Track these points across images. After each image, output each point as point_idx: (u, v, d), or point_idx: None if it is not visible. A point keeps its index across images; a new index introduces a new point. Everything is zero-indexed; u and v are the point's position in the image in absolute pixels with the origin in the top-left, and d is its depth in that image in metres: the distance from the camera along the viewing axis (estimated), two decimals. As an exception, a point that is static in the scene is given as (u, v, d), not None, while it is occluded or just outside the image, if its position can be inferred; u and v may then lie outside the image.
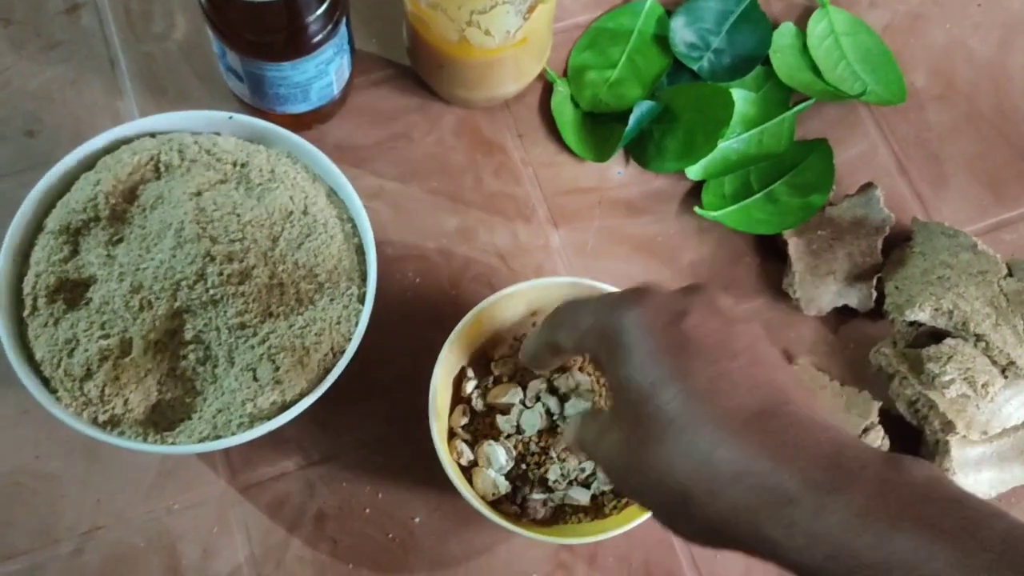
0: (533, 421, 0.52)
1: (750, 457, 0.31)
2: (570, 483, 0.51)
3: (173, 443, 0.46)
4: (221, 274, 0.46)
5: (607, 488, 0.51)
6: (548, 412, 0.52)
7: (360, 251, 0.51)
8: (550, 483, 0.51)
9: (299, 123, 0.59)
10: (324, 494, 0.53)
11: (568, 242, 0.60)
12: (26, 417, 0.53)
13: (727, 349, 0.34)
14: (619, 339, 0.35)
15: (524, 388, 0.53)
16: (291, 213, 0.50)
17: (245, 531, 0.52)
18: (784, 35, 0.65)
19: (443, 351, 0.50)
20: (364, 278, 0.50)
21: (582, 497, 0.50)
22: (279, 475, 0.53)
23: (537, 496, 0.50)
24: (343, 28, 0.55)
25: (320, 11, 0.52)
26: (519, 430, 0.52)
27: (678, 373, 0.33)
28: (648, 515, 0.47)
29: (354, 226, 0.52)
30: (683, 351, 0.34)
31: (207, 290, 0.46)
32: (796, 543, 0.30)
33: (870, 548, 0.29)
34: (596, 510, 0.51)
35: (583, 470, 0.51)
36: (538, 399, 0.52)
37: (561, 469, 0.51)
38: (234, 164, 0.51)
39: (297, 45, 0.52)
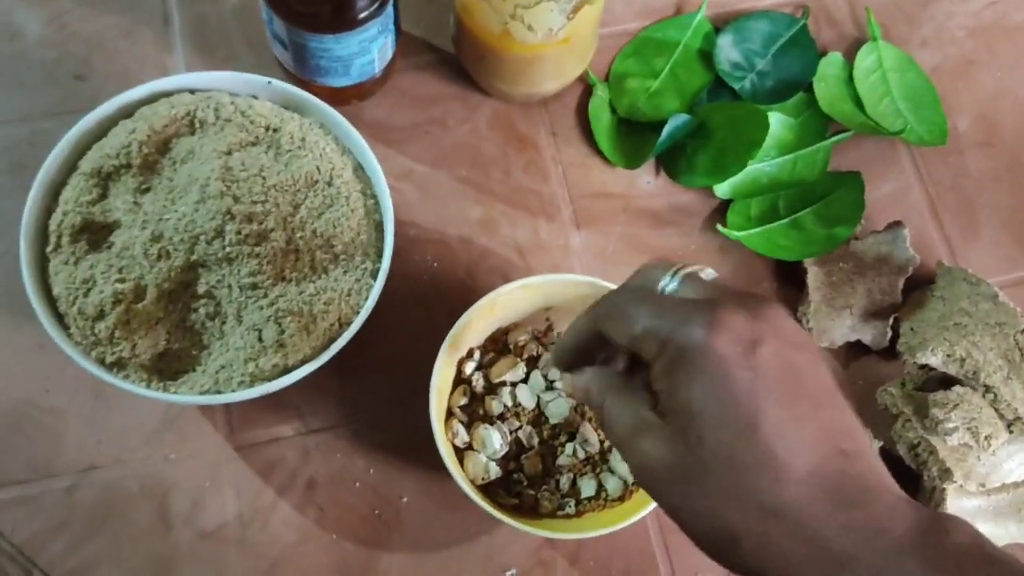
0: (530, 395, 0.52)
1: (810, 511, 0.31)
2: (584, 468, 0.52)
3: (175, 392, 0.47)
4: (239, 233, 0.47)
5: (590, 494, 0.51)
6: (548, 381, 0.52)
7: (379, 228, 0.52)
8: (556, 466, 0.51)
9: (338, 97, 0.60)
10: (317, 462, 0.54)
11: (588, 245, 0.60)
12: (41, 351, 0.54)
13: (798, 390, 0.33)
14: (686, 357, 0.33)
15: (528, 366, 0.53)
16: (316, 182, 0.51)
17: (236, 489, 0.53)
18: (830, 64, 0.65)
19: (454, 330, 0.50)
20: (380, 255, 0.51)
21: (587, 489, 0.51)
22: (276, 438, 0.54)
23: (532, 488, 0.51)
24: (389, 8, 0.55)
25: (369, -12, 0.52)
26: (516, 407, 0.52)
27: (747, 412, 0.32)
28: (631, 520, 0.48)
29: (377, 203, 0.52)
30: (755, 388, 0.33)
31: (223, 247, 0.47)
32: None
33: None
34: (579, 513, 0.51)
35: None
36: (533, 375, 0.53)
37: (572, 449, 0.51)
38: (267, 128, 0.52)
39: (342, 19, 0.53)
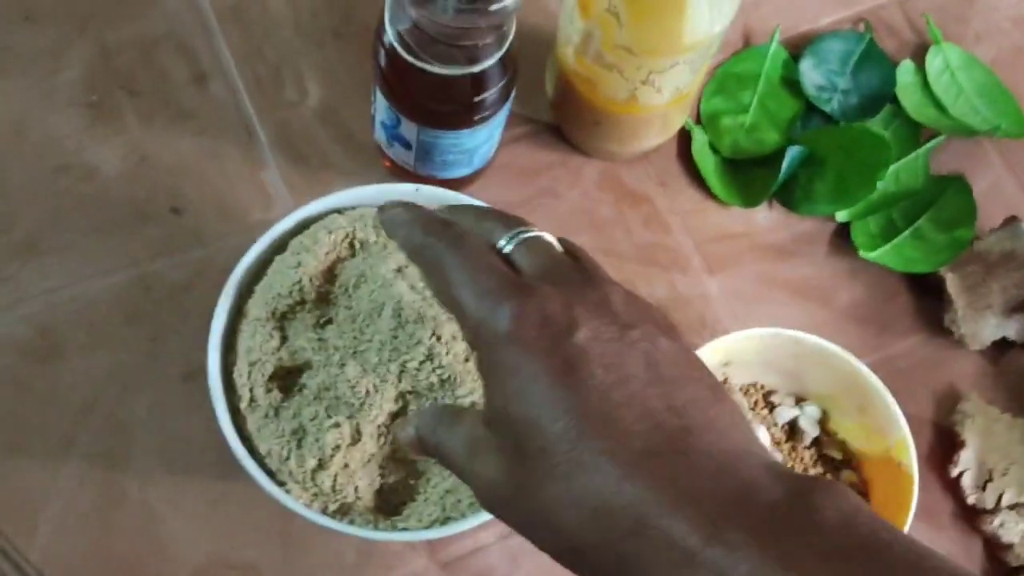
0: None
1: (647, 504, 0.27)
2: None
3: (405, 528, 0.45)
4: (449, 353, 0.45)
5: None
6: None
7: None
8: None
9: (451, 187, 0.59)
10: (527, 564, 0.53)
11: (725, 289, 0.61)
12: (214, 507, 0.52)
13: (623, 368, 0.30)
14: (495, 356, 0.30)
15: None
16: (492, 284, 0.49)
17: (458, 608, 0.51)
18: (905, 72, 0.66)
19: None
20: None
21: None
22: (479, 548, 0.53)
23: None
24: (512, 93, 0.54)
25: (503, 82, 0.51)
26: None
27: (567, 404, 0.29)
28: None
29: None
30: (573, 375, 0.29)
31: (434, 370, 0.45)
32: None
33: None
34: None
35: None
36: None
37: None
38: (427, 237, 0.50)
39: (477, 113, 0.52)
